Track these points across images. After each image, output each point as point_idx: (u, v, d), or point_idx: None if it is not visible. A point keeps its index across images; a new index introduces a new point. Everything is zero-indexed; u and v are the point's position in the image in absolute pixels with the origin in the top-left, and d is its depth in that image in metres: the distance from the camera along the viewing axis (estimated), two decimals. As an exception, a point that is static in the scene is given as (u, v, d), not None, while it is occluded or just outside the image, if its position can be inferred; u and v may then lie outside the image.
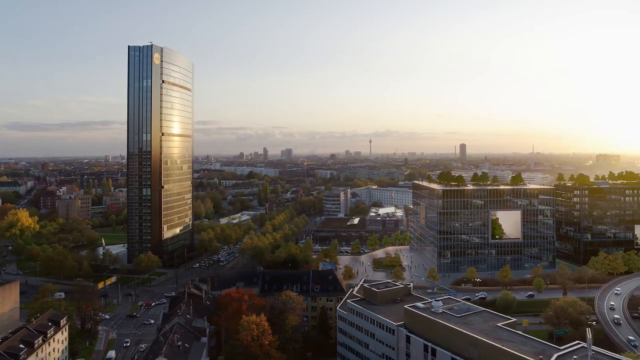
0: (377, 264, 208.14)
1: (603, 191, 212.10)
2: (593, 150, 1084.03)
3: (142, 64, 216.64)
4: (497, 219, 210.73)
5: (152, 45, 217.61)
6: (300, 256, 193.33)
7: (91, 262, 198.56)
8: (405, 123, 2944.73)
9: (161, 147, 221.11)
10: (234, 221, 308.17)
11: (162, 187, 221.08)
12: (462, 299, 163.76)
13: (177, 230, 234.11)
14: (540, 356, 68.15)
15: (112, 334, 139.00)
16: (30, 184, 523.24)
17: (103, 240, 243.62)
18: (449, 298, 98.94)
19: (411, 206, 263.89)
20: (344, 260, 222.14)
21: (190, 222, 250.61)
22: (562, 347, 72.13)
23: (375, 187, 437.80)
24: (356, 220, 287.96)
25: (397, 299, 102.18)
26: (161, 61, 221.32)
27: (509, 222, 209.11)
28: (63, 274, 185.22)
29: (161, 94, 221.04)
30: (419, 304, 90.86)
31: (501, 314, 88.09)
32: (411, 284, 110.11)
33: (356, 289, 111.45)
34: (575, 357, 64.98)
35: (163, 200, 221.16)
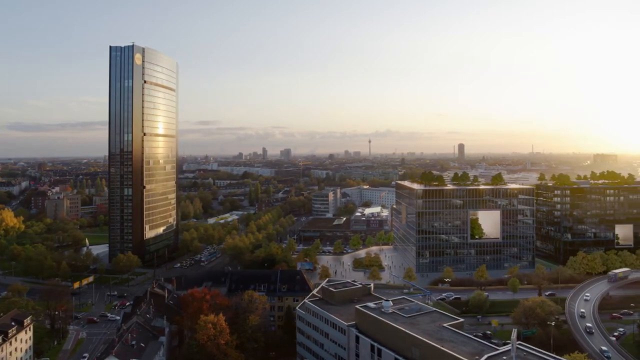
0: (357, 264, 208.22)
1: (583, 191, 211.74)
2: (593, 150, 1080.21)
3: (123, 64, 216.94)
4: (477, 218, 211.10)
5: (133, 45, 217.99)
6: (280, 256, 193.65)
7: (71, 262, 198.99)
8: (405, 123, 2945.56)
9: (143, 147, 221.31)
10: (222, 221, 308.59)
11: (144, 187, 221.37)
12: (437, 299, 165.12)
13: (160, 230, 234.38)
14: (477, 356, 68.21)
15: (82, 333, 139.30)
16: (24, 184, 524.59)
17: (87, 240, 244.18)
18: (403, 298, 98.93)
19: (394, 206, 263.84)
20: (325, 260, 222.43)
21: (175, 222, 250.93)
22: (500, 348, 72.07)
23: (367, 187, 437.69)
24: (342, 221, 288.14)
25: (354, 299, 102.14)
26: (143, 61, 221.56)
27: (490, 222, 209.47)
28: (42, 273, 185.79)
29: (143, 94, 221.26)
30: (370, 304, 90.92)
31: (450, 315, 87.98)
32: (371, 284, 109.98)
33: (317, 289, 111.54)
34: (504, 358, 64.86)
35: (145, 200, 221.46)
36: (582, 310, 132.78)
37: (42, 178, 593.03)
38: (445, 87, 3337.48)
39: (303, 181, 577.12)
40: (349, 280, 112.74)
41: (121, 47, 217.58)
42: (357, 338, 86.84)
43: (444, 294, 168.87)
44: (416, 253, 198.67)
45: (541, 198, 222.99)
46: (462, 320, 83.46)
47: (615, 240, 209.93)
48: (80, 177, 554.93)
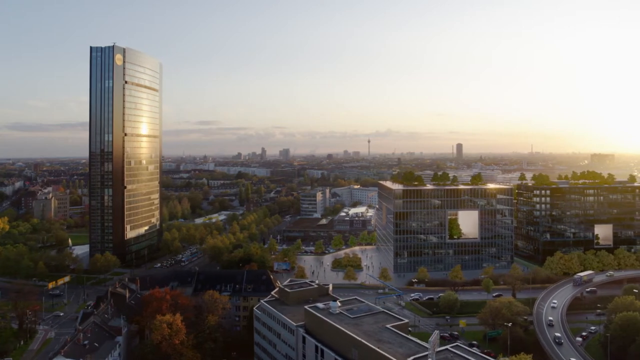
0: (336, 264, 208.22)
1: (562, 191, 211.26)
2: (593, 150, 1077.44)
3: (103, 64, 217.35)
4: (456, 219, 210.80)
5: (114, 46, 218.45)
6: (257, 256, 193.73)
7: (51, 262, 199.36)
8: (406, 123, 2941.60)
9: (124, 147, 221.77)
10: (209, 221, 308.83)
11: (125, 187, 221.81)
12: (411, 300, 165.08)
13: (142, 231, 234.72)
14: (409, 358, 68.13)
15: (51, 333, 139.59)
16: (18, 184, 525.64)
17: (70, 241, 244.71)
18: (354, 299, 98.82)
19: (377, 206, 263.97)
20: (306, 260, 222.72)
21: (158, 222, 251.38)
22: (436, 349, 71.91)
23: (358, 187, 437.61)
24: (327, 221, 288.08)
25: (309, 299, 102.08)
26: (124, 62, 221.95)
27: (470, 222, 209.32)
28: (19, 274, 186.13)
29: (124, 95, 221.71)
30: (320, 305, 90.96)
31: (396, 316, 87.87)
32: (330, 285, 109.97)
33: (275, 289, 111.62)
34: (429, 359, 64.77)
35: (126, 200, 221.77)
36: (550, 318, 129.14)
37: (37, 178, 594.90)
38: (445, 87, 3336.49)
39: (297, 181, 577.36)
40: (306, 281, 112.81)
41: (102, 48, 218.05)
42: (304, 338, 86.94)
43: (416, 294, 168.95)
44: (394, 253, 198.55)
45: (521, 198, 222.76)
46: (406, 321, 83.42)
47: (595, 240, 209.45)
48: (75, 177, 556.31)
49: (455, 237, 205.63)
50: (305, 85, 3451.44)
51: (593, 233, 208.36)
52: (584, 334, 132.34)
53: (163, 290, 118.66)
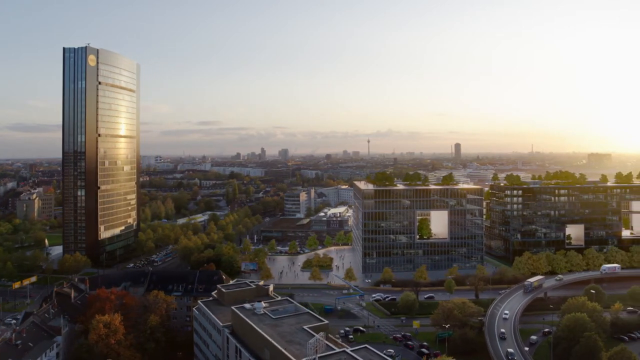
0: (306, 265, 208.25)
1: (534, 191, 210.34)
2: (594, 150, 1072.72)
3: (76, 65, 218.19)
4: (427, 219, 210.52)
5: (87, 47, 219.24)
6: (226, 257, 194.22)
7: (24, 263, 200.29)
8: (407, 123, 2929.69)
9: (97, 148, 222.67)
10: (193, 221, 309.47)
11: (99, 187, 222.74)
12: (373, 300, 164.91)
13: (118, 231, 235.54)
14: (304, 358, 68.31)
15: (7, 333, 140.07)
16: (10, 185, 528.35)
17: (46, 241, 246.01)
18: (285, 299, 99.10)
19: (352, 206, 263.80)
20: (279, 260, 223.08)
21: (135, 223, 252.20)
22: (335, 350, 71.96)
23: (345, 186, 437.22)
24: (305, 221, 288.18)
25: (246, 299, 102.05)
26: (97, 63, 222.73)
27: (441, 222, 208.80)
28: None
29: (97, 96, 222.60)
30: (247, 305, 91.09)
31: (319, 317, 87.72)
32: (270, 285, 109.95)
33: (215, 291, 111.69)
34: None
35: (100, 200, 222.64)
36: (502, 330, 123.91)
37: (31, 179, 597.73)
38: (446, 87, 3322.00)
39: (289, 181, 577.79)
40: (246, 281, 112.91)
41: (74, 49, 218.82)
42: (228, 339, 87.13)
43: (378, 295, 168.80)
44: (362, 253, 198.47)
45: (494, 198, 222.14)
46: (325, 322, 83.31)
47: (567, 241, 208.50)
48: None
49: (425, 237, 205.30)
50: (306, 85, 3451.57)
51: (564, 233, 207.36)
52: (533, 337, 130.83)
53: (110, 291, 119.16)
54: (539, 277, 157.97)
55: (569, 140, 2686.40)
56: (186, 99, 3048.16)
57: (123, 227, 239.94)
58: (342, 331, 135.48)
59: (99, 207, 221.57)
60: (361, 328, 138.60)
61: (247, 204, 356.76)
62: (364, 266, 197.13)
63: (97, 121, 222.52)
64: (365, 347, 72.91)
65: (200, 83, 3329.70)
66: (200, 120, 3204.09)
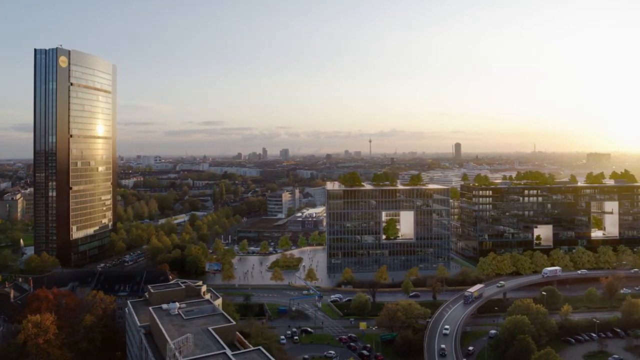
0: (274, 265, 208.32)
1: (502, 191, 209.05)
2: (596, 149, 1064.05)
3: (48, 66, 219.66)
4: (394, 219, 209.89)
5: (57, 48, 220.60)
6: (191, 257, 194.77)
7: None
8: (410, 122, 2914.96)
9: (69, 148, 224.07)
10: (175, 222, 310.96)
11: (71, 188, 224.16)
12: (331, 301, 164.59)
13: (92, 231, 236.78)
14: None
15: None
16: (4, 185, 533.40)
17: (22, 241, 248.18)
18: (204, 300, 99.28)
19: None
20: (250, 260, 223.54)
21: (110, 223, 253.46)
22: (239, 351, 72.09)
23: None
24: (283, 221, 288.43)
25: (174, 300, 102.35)
26: (69, 64, 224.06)
27: (409, 223, 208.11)
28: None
29: (69, 97, 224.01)
30: (164, 305, 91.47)
31: (231, 319, 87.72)
32: (203, 286, 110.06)
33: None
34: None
35: (72, 201, 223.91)
36: (443, 346, 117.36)
37: (27, 179, 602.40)
38: (448, 87, 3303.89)
39: (281, 182, 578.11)
40: (178, 281, 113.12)
41: (46, 50, 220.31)
42: (141, 339, 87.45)
43: (337, 296, 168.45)
44: (328, 253, 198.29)
45: (464, 198, 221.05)
46: (232, 324, 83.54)
47: (537, 241, 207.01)
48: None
49: (392, 237, 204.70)
50: (309, 85, 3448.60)
51: (532, 234, 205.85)
52: (470, 348, 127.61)
53: (51, 291, 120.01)
54: (479, 286, 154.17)
55: (572, 139, 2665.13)
56: (190, 99, 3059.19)
57: (97, 227, 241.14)
58: (288, 332, 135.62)
59: (71, 207, 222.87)
60: (309, 329, 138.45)
61: (232, 204, 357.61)
62: (329, 266, 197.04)
63: (68, 122, 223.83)
64: (259, 349, 73.00)
65: (204, 83, 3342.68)
66: (204, 120, 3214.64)
